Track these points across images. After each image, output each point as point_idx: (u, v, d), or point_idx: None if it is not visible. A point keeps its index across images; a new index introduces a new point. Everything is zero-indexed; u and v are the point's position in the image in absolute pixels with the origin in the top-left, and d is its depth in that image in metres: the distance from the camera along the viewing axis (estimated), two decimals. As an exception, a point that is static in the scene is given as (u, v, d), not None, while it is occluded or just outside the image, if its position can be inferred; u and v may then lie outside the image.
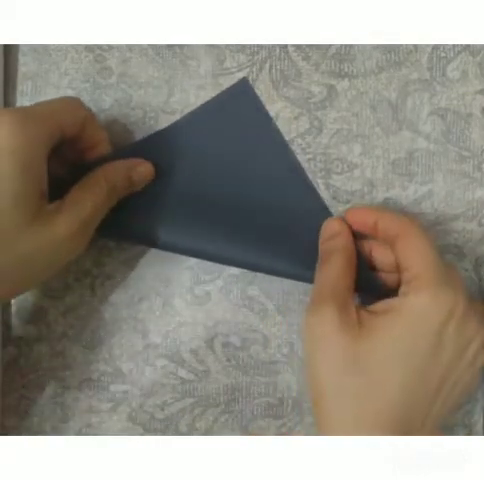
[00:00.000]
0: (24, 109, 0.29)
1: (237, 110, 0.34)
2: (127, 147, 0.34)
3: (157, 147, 0.34)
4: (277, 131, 0.34)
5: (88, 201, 0.30)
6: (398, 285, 0.30)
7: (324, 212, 0.34)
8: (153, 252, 0.35)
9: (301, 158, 0.34)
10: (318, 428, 0.29)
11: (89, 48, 0.35)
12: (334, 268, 0.30)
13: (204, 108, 0.35)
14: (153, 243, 0.33)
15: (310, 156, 0.34)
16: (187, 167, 0.34)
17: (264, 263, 0.33)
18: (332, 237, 0.32)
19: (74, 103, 0.31)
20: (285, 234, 0.34)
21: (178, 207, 0.34)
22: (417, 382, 0.28)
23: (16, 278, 0.29)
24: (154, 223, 0.33)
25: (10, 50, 0.35)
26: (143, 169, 0.33)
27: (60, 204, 0.29)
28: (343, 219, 0.32)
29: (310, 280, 0.32)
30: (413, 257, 0.29)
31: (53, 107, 0.30)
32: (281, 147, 0.34)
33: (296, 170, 0.34)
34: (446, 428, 0.34)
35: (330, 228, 0.33)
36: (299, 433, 0.35)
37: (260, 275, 0.34)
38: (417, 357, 0.28)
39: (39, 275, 0.30)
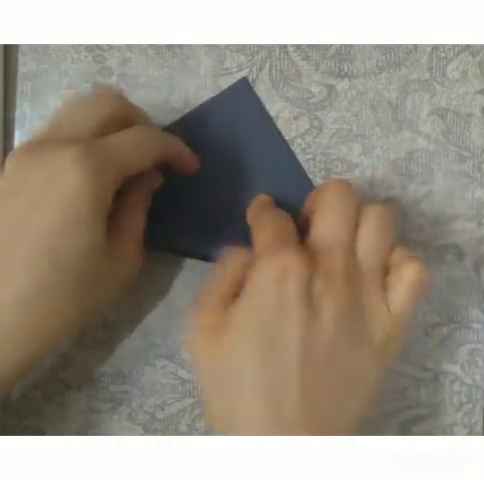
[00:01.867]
0: (97, 148, 0.27)
1: (237, 109, 0.34)
2: None
3: None
4: (277, 130, 0.34)
5: (138, 217, 0.30)
6: None
7: None
8: (154, 252, 0.35)
9: (301, 158, 0.34)
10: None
11: (89, 48, 0.35)
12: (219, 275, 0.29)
13: (203, 107, 0.35)
14: (154, 244, 0.33)
15: (310, 156, 0.34)
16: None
17: None
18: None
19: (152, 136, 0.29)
20: None
21: (178, 207, 0.34)
22: (274, 352, 0.26)
23: (79, 315, 0.28)
24: (154, 224, 0.33)
25: (10, 50, 0.35)
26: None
27: (120, 244, 0.29)
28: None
29: None
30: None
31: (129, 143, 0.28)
32: (281, 146, 0.34)
33: (296, 169, 0.34)
34: (446, 428, 0.34)
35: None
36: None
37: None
38: (266, 327, 0.26)
39: (94, 307, 0.30)
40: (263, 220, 0.30)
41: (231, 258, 0.29)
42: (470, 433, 0.34)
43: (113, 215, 0.28)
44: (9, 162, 0.27)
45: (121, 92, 0.31)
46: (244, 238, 0.33)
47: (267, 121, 0.34)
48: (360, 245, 0.27)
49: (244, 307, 0.27)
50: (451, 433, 0.34)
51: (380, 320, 0.27)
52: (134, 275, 0.31)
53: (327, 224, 0.28)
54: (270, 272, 0.26)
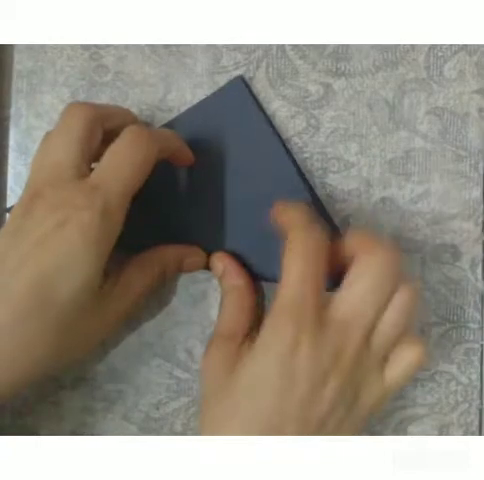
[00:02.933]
0: (100, 205, 0.27)
1: (232, 108, 0.34)
2: None
3: None
4: (273, 129, 0.34)
5: (139, 283, 0.31)
6: None
7: (319, 208, 0.34)
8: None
9: (298, 157, 0.34)
10: None
11: (85, 46, 0.35)
12: (224, 311, 0.32)
13: (199, 106, 0.34)
14: (149, 243, 0.33)
15: (307, 155, 0.34)
16: (181, 169, 0.34)
17: (261, 267, 0.33)
18: (221, 277, 0.33)
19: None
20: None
21: (174, 206, 0.34)
22: (271, 413, 0.27)
23: (60, 357, 0.28)
24: (151, 223, 0.33)
25: (5, 47, 0.35)
26: (195, 259, 0.33)
27: (113, 286, 0.30)
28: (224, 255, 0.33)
29: None
30: (282, 275, 0.28)
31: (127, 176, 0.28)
32: (277, 146, 0.34)
33: (292, 169, 0.34)
34: (442, 428, 0.34)
35: (215, 269, 0.33)
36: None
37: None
38: (267, 391, 0.27)
39: (79, 353, 0.30)
40: (298, 249, 0.28)
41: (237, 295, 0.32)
42: (466, 433, 0.34)
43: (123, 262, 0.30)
44: (17, 209, 0.28)
45: (93, 104, 0.30)
46: (239, 239, 0.33)
47: (263, 120, 0.34)
48: (381, 328, 0.27)
49: (250, 360, 0.28)
50: (447, 433, 0.34)
51: (373, 393, 0.28)
52: (122, 320, 0.31)
53: (359, 296, 0.27)
54: (283, 338, 0.27)
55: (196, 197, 0.34)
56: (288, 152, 0.34)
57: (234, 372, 0.28)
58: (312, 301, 0.27)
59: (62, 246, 0.26)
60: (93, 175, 0.28)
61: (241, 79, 0.34)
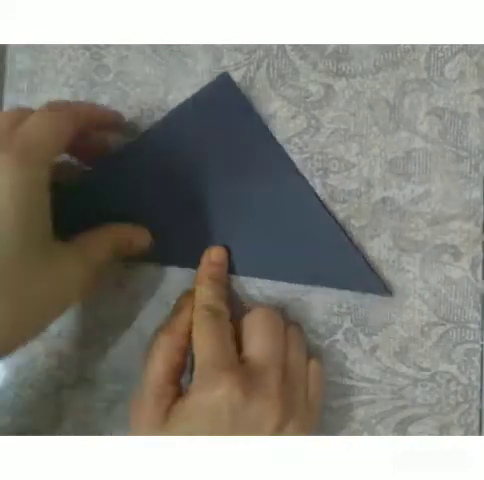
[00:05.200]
0: (19, 147, 0.27)
1: (219, 106, 0.34)
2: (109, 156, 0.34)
3: (140, 151, 0.34)
4: (263, 125, 0.34)
5: (94, 246, 0.31)
6: None
7: (316, 207, 0.34)
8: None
9: (298, 157, 0.34)
10: None
11: (86, 46, 0.35)
12: (154, 364, 0.31)
13: (185, 105, 0.34)
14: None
15: (307, 155, 0.34)
16: (172, 168, 0.34)
17: (264, 268, 0.34)
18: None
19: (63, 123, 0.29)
20: (281, 233, 0.34)
21: (167, 210, 0.34)
22: None
23: (25, 324, 0.28)
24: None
25: (6, 47, 0.35)
26: (142, 238, 0.33)
27: (67, 245, 0.29)
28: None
29: (307, 281, 0.33)
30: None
31: (46, 135, 0.28)
32: (266, 140, 0.34)
33: (283, 162, 0.34)
34: (442, 428, 0.34)
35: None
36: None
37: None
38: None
39: (47, 318, 0.29)
40: (205, 331, 0.31)
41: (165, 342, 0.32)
42: (466, 433, 0.34)
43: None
44: None
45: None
46: (228, 239, 0.33)
47: (252, 117, 0.34)
48: (290, 362, 0.31)
49: (181, 414, 0.29)
50: (447, 433, 0.34)
51: (302, 411, 0.30)
52: (80, 298, 0.31)
53: (260, 346, 0.31)
54: (211, 398, 0.29)
55: (189, 199, 0.34)
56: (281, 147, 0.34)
57: (165, 426, 0.29)
58: (229, 357, 0.30)
59: None
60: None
61: (227, 76, 0.34)
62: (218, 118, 0.34)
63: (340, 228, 0.34)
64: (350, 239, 0.34)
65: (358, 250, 0.34)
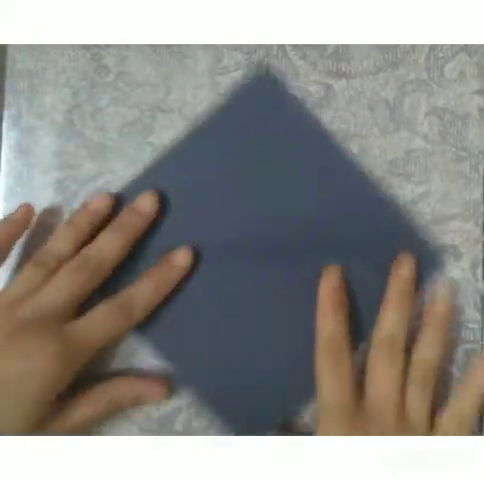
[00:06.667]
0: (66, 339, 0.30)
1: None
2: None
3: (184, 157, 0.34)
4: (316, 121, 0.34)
5: (80, 415, 0.32)
6: None
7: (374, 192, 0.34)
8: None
9: (298, 157, 0.34)
10: None
11: (86, 46, 0.35)
12: None
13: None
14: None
15: (307, 155, 0.34)
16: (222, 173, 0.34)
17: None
18: None
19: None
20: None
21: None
22: None
23: None
24: None
25: (6, 47, 0.35)
26: (152, 393, 0.33)
27: (54, 413, 0.31)
28: None
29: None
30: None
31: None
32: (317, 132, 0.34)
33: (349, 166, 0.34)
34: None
35: None
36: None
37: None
38: None
39: None
40: (333, 367, 0.31)
41: None
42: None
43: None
44: None
45: None
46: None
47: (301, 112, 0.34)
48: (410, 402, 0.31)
49: None
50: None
51: None
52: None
53: (379, 387, 0.31)
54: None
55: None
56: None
57: None
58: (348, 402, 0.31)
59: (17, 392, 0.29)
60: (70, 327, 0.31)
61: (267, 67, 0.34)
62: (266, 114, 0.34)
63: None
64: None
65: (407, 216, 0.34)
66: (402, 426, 0.30)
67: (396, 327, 0.31)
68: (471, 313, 0.34)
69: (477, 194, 0.34)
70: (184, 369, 0.34)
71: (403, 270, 0.32)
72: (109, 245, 0.32)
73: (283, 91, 0.34)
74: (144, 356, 0.34)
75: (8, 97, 0.35)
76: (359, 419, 0.30)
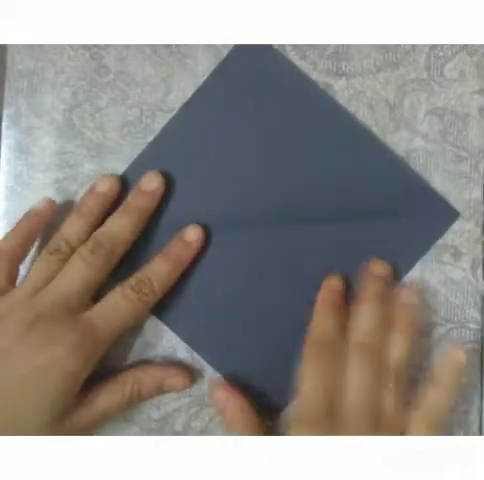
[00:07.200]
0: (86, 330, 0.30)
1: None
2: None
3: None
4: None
5: (103, 405, 0.32)
6: None
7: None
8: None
9: (298, 157, 0.34)
10: None
11: (85, 46, 0.35)
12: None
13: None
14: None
15: (307, 155, 0.34)
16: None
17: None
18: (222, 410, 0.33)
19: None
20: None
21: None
22: None
23: None
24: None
25: (6, 47, 0.35)
26: (175, 381, 0.33)
27: (77, 404, 0.31)
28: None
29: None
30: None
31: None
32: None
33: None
34: (443, 429, 0.34)
35: (216, 403, 0.33)
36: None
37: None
38: None
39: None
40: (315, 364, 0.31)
41: None
42: (466, 433, 0.34)
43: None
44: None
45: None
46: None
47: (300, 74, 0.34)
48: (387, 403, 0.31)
49: None
50: (448, 434, 0.34)
51: None
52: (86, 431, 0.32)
53: (353, 389, 0.31)
54: None
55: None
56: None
57: None
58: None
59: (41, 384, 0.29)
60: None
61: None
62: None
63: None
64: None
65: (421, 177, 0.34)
66: (376, 424, 0.30)
67: (371, 329, 0.31)
68: (471, 313, 0.34)
69: (477, 194, 0.34)
70: (206, 351, 0.34)
71: (377, 270, 0.33)
72: (120, 227, 0.32)
73: (282, 58, 0.34)
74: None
75: (7, 97, 0.35)
76: (333, 417, 0.30)
